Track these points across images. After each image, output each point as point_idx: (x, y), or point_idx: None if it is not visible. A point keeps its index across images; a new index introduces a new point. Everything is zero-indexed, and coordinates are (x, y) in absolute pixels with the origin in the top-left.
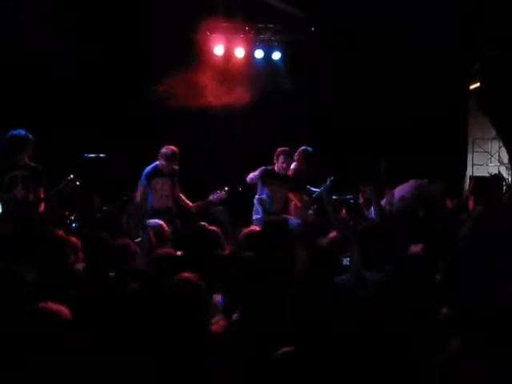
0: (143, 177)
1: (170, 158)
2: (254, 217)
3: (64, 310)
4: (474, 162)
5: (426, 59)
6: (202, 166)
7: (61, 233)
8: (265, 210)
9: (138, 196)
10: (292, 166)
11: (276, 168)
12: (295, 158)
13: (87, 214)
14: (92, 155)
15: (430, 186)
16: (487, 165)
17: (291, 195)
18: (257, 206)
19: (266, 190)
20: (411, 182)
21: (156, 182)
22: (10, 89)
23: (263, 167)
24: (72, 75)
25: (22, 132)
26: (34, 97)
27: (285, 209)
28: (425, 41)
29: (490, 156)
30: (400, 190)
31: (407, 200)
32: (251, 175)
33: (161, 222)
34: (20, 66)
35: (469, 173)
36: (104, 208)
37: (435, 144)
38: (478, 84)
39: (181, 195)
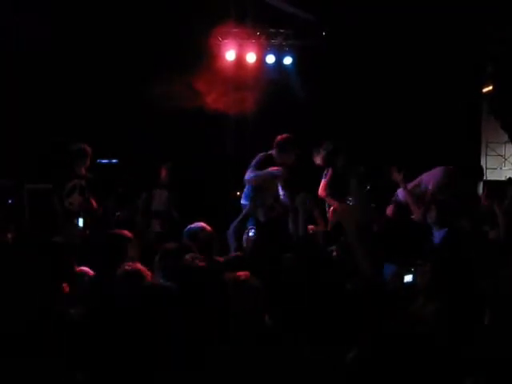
0: None
1: None
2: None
3: None
4: (488, 166)
5: (439, 62)
6: (213, 171)
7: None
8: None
9: None
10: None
11: (275, 156)
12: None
13: (100, 218)
14: (104, 160)
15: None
16: (501, 168)
17: (330, 201)
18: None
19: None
20: (438, 169)
21: None
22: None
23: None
24: (81, 80)
25: (82, 145)
26: (43, 103)
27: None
28: (437, 44)
29: (503, 160)
30: (429, 176)
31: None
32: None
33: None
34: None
35: None
36: (117, 213)
37: (448, 147)
38: (490, 87)
39: None
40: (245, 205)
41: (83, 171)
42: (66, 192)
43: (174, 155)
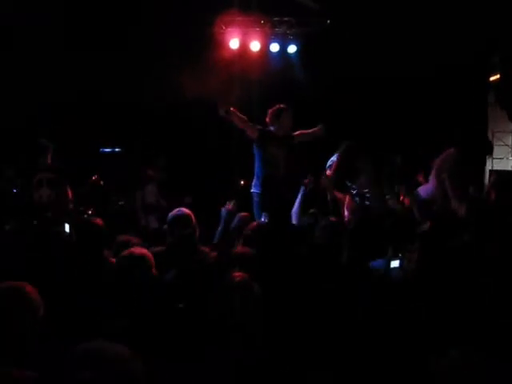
0: None
1: None
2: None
3: None
4: (494, 156)
5: (446, 50)
6: (217, 162)
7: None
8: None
9: None
10: (334, 158)
11: (273, 129)
12: (338, 153)
13: (104, 207)
14: (107, 150)
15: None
16: (507, 158)
17: (339, 194)
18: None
19: (263, 155)
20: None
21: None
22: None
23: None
24: (85, 69)
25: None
26: (48, 94)
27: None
28: (444, 32)
29: (510, 149)
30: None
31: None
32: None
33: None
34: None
35: (488, 166)
36: (120, 202)
37: (454, 137)
38: (497, 76)
39: None
40: (255, 193)
41: (48, 163)
42: (34, 186)
43: (177, 145)
